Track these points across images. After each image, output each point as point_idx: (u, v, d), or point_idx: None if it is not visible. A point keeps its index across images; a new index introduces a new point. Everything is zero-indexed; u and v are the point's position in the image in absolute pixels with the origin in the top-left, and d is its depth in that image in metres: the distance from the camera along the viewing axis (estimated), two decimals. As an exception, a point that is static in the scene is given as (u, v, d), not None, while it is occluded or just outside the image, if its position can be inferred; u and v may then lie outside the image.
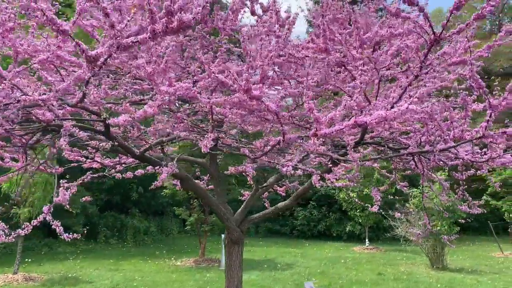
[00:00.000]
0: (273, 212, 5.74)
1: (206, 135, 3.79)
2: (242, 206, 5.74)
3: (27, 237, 13.62)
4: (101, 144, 3.73)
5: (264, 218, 6.02)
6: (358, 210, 16.15)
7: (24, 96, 2.78)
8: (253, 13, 4.56)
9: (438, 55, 3.59)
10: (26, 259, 11.27)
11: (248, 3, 4.63)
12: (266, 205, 6.60)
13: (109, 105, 3.51)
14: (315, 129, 2.99)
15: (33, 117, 3.23)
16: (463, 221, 7.24)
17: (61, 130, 2.95)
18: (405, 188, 5.59)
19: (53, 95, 2.96)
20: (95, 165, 5.55)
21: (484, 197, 16.59)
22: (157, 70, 3.24)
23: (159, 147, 5.43)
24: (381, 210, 4.68)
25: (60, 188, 2.94)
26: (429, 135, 4.05)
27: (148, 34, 2.35)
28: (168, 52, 3.22)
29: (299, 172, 3.66)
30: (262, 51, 3.08)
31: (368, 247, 16.02)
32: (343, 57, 3.66)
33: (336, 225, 19.10)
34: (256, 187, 5.57)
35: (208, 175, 6.40)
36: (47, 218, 3.01)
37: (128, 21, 2.29)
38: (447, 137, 3.85)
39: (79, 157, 5.57)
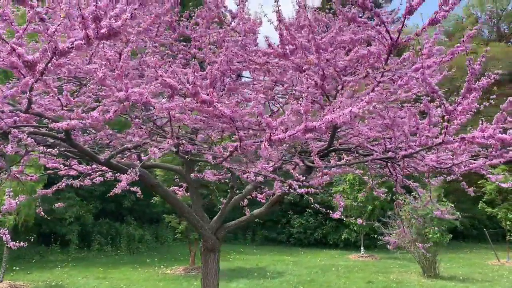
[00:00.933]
0: (248, 219, 5.69)
1: (164, 141, 3.78)
2: (218, 213, 5.69)
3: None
4: (48, 150, 3.70)
5: (240, 225, 5.96)
6: (353, 218, 16.02)
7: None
8: (221, 20, 4.57)
9: (399, 62, 3.56)
10: (14, 267, 11.23)
11: (220, 11, 4.65)
12: (247, 213, 6.54)
13: (62, 111, 3.49)
14: (268, 134, 2.97)
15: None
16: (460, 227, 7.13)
17: (9, 136, 2.93)
18: (382, 195, 5.51)
19: (0, 101, 2.94)
20: (72, 173, 5.52)
21: (480, 204, 16.46)
22: (108, 75, 3.23)
23: (135, 154, 5.43)
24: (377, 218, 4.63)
25: (5, 196, 2.90)
26: (396, 142, 4.01)
27: (82, 40, 2.33)
28: (124, 57, 3.21)
29: (259, 178, 3.62)
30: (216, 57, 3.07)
31: (363, 255, 15.88)
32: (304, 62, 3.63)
33: (333, 232, 18.98)
34: (230, 194, 5.53)
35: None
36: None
37: (59, 25, 2.26)
38: (412, 143, 3.81)
39: (56, 165, 5.56)
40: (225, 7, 4.60)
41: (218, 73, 3.02)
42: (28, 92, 2.70)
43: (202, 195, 12.45)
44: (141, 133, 3.90)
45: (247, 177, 3.67)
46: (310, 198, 4.32)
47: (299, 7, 4.32)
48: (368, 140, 4.41)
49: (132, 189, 4.35)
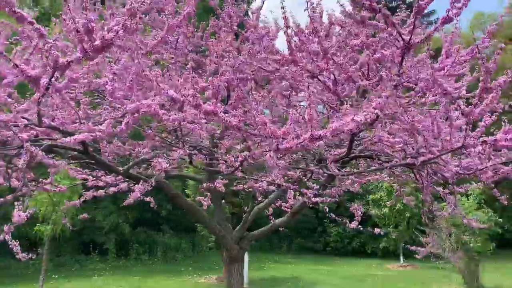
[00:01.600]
0: (271, 229, 5.61)
1: (176, 152, 3.78)
2: (241, 223, 5.65)
3: (59, 253, 14.09)
4: (58, 162, 3.78)
5: (264, 235, 5.89)
6: (391, 226, 15.58)
7: (-18, 118, 2.86)
8: (236, 34, 4.54)
9: (413, 64, 3.41)
10: (54, 275, 11.62)
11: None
12: (273, 222, 6.46)
13: (74, 124, 3.57)
14: (275, 143, 2.91)
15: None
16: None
17: (21, 150, 3.02)
18: (411, 203, 5.29)
19: (13, 116, 3.04)
20: (100, 183, 5.67)
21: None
22: (117, 88, 3.27)
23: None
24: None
25: (15, 210, 2.97)
26: (415, 147, 3.85)
27: (80, 54, 2.37)
28: (134, 69, 3.25)
29: (272, 187, 3.55)
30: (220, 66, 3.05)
31: (403, 264, 15.36)
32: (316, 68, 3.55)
33: (371, 241, 18.50)
34: (252, 204, 5.48)
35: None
36: (6, 238, 3.03)
37: (55, 40, 2.31)
38: (434, 148, 3.64)
39: (85, 176, 5.71)
40: (240, 15, 4.60)
41: (222, 83, 3.00)
42: (36, 106, 2.78)
43: (235, 203, 12.49)
44: (151, 144, 3.93)
45: (259, 187, 3.61)
46: (326, 207, 4.19)
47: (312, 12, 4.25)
48: (389, 146, 4.25)
49: (146, 199, 4.38)
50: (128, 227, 15.66)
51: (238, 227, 5.66)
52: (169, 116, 3.17)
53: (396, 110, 3.93)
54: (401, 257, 15.76)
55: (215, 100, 2.92)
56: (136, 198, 3.64)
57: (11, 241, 3.06)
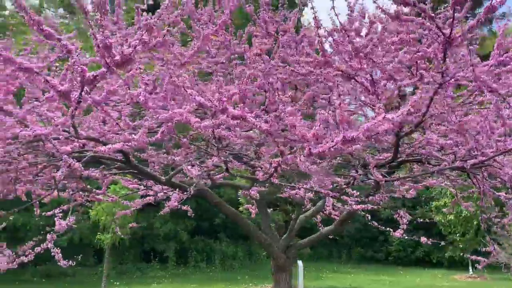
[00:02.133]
0: (319, 237, 5.46)
1: (209, 159, 3.77)
2: (287, 231, 5.55)
3: (122, 261, 14.67)
4: (92, 174, 3.87)
5: (311, 244, 5.74)
6: (457, 234, 14.68)
7: (25, 132, 3.01)
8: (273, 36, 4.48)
9: (454, 60, 3.17)
10: (116, 282, 12.09)
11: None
12: (321, 229, 6.29)
13: (111, 135, 3.66)
14: (307, 148, 2.81)
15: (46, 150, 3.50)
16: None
17: (61, 162, 3.14)
18: (471, 209, 4.93)
19: (52, 129, 3.17)
20: (150, 192, 5.81)
21: None
22: (149, 98, 3.32)
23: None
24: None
25: (56, 218, 3.09)
26: (465, 149, 3.57)
27: (104, 68, 2.42)
28: (167, 79, 3.30)
29: (309, 194, 3.42)
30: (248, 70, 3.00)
31: (472, 275, 14.39)
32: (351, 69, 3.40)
33: (436, 250, 17.51)
34: (297, 212, 5.36)
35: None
36: (49, 246, 3.15)
37: (78, 55, 2.37)
38: (486, 150, 3.36)
39: (136, 185, 5.89)
40: (277, 21, 4.54)
41: (251, 88, 2.95)
42: (70, 119, 2.88)
43: (287, 211, 12.36)
44: (185, 152, 3.95)
45: (295, 194, 3.50)
46: (367, 214, 3.98)
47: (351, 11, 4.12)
48: (438, 149, 3.98)
49: (184, 208, 4.41)
50: (187, 235, 15.97)
51: (284, 235, 5.56)
52: (200, 123, 3.17)
53: (442, 111, 3.68)
54: (470, 268, 14.76)
55: (242, 104, 2.88)
56: (174, 206, 3.66)
57: (53, 248, 3.17)
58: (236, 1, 4.35)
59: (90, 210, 10.03)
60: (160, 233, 14.52)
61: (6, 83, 3.41)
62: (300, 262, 11.10)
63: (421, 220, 10.38)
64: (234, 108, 2.88)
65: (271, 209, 8.86)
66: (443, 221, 14.90)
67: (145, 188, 5.94)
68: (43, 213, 4.97)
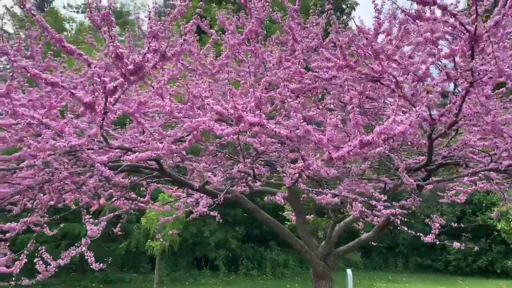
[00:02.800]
0: (357, 244, 5.33)
1: (236, 165, 3.82)
2: (326, 238, 5.48)
3: (175, 268, 15.06)
4: (116, 180, 4.01)
5: (350, 251, 5.62)
6: (522, 242, 13.74)
7: (60, 143, 3.22)
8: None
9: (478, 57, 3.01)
10: (168, 288, 12.45)
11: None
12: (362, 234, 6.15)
13: (141, 143, 3.82)
14: (328, 153, 2.80)
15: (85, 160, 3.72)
16: None
17: (94, 170, 3.32)
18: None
19: (86, 140, 3.36)
20: (189, 200, 5.98)
21: None
22: (175, 108, 3.43)
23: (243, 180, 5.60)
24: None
25: (87, 223, 3.26)
26: (501, 150, 3.39)
27: (121, 78, 2.56)
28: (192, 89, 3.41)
29: (336, 200, 3.36)
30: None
31: (541, 287, 13.37)
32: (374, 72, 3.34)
33: (501, 259, 16.47)
34: (335, 218, 5.28)
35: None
36: (83, 249, 3.32)
37: (95, 67, 2.51)
38: (524, 150, 3.17)
39: (179, 193, 6.08)
40: (305, 27, 4.55)
41: (260, 95, 2.96)
42: (99, 130, 3.05)
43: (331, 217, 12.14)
44: (208, 160, 4.03)
45: (322, 199, 3.46)
46: (397, 220, 3.84)
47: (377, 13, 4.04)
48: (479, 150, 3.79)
49: (212, 213, 4.46)
50: (237, 242, 16.12)
51: (322, 243, 5.49)
52: (223, 130, 3.24)
53: (476, 110, 3.52)
54: (539, 279, 13.74)
55: (259, 111, 2.92)
56: (202, 212, 3.75)
57: (86, 252, 3.33)
58: (263, 10, 4.42)
59: (142, 218, 10.45)
60: (211, 241, 14.77)
61: (49, 99, 3.68)
62: (349, 271, 10.83)
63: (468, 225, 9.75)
64: (254, 116, 2.93)
65: (314, 215, 8.80)
66: (506, 228, 14.00)
67: (186, 196, 6.12)
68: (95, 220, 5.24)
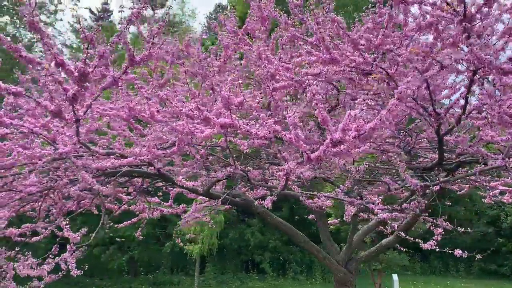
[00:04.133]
0: (378, 250, 5.00)
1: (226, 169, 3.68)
2: (346, 244, 5.20)
3: (224, 271, 15.15)
4: (97, 188, 3.98)
5: (371, 256, 5.29)
6: None
7: (46, 151, 3.27)
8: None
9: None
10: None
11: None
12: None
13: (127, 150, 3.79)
14: (305, 153, 2.63)
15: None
16: None
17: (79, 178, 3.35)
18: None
19: (71, 148, 3.39)
20: (210, 203, 5.95)
21: None
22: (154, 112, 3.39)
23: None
24: None
25: (66, 231, 3.26)
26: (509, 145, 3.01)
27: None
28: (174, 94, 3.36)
29: (328, 203, 3.12)
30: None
31: None
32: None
33: None
34: (353, 222, 4.98)
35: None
36: (66, 256, 3.34)
37: (50, 75, 2.49)
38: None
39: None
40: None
41: (228, 95, 2.81)
42: (76, 137, 3.06)
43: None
44: (196, 165, 3.93)
45: (313, 203, 3.23)
46: (394, 224, 3.49)
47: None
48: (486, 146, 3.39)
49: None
50: (283, 245, 15.90)
51: (343, 249, 5.22)
52: (202, 133, 3.14)
53: (485, 102, 3.16)
54: None
55: (229, 112, 2.78)
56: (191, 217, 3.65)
57: (69, 258, 3.34)
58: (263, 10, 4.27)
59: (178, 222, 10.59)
60: (256, 244, 14.70)
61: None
62: (395, 276, 10.29)
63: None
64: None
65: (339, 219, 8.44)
66: None
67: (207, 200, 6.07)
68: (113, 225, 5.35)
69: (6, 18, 20.45)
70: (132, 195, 5.48)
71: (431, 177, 3.68)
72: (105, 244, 13.19)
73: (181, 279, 14.37)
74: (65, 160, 3.64)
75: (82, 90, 2.50)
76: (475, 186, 4.81)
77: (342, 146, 2.44)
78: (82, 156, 3.55)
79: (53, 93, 2.55)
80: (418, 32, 2.99)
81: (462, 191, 4.43)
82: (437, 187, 3.12)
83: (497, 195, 4.66)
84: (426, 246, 3.36)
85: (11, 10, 20.56)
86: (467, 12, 2.53)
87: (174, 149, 3.45)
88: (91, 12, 28.89)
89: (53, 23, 21.17)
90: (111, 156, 3.83)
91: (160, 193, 5.52)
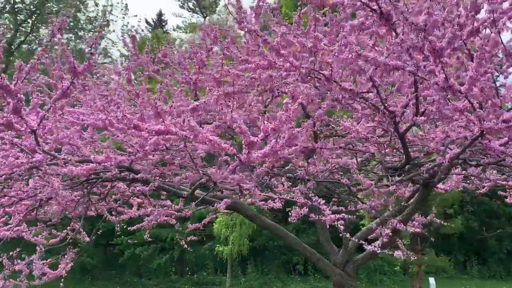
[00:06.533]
0: (373, 253, 4.83)
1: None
2: (343, 246, 5.09)
3: (267, 272, 15.23)
4: (64, 196, 4.15)
5: (367, 259, 5.14)
6: None
7: (19, 160, 3.56)
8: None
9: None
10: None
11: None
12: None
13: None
14: (244, 156, 2.68)
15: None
16: None
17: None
18: None
19: (42, 156, 3.64)
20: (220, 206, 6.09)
21: None
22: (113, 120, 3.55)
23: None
24: None
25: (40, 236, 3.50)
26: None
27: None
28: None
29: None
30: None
31: None
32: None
33: None
34: (346, 225, 4.86)
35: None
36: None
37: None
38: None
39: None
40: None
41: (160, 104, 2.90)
42: (37, 147, 3.30)
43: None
44: (173, 167, 4.09)
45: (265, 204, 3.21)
46: (340, 226, 3.37)
47: None
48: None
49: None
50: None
51: (341, 251, 5.11)
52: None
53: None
54: None
55: (160, 118, 2.88)
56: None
57: (40, 262, 3.59)
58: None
59: (214, 223, 10.83)
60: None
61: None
62: (432, 280, 9.80)
63: None
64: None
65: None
66: None
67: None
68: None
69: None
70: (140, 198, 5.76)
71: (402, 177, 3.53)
72: (149, 244, 13.77)
73: (223, 279, 14.63)
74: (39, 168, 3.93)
75: (20, 102, 2.71)
76: (495, 185, 4.55)
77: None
78: (56, 164, 3.80)
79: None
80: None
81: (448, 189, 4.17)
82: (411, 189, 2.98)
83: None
84: (397, 253, 3.02)
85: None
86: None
87: (139, 155, 3.62)
88: (147, 22, 30.37)
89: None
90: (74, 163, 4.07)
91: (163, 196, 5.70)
